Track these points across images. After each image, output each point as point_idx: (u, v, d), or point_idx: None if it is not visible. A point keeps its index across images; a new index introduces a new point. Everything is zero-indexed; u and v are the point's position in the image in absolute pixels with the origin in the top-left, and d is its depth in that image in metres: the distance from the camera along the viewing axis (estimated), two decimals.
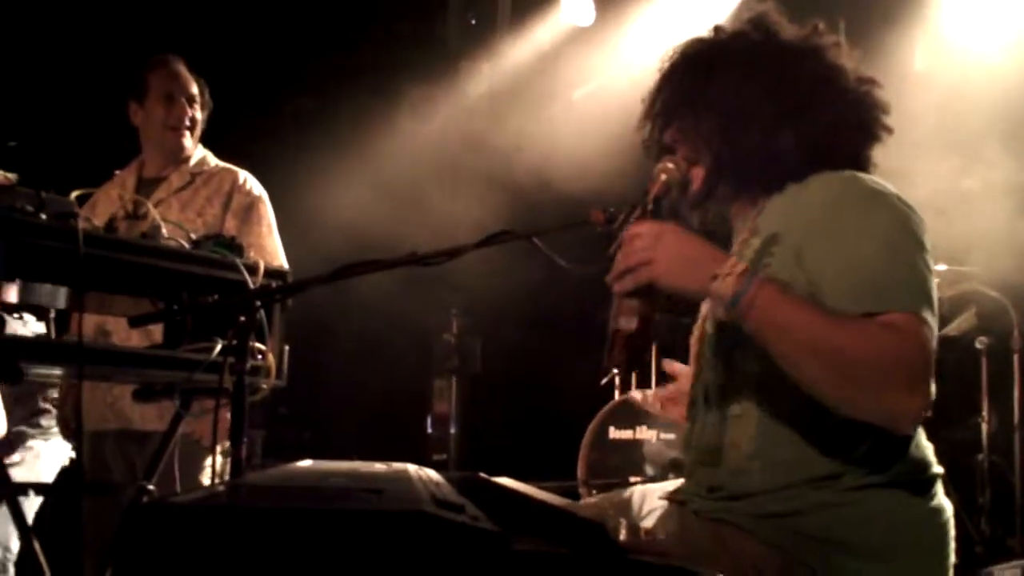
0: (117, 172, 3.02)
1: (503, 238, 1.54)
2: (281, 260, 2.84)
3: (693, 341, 1.77)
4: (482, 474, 1.66)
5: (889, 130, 1.65)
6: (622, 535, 0.97)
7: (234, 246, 1.96)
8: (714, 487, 1.57)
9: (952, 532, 1.53)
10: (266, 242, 2.86)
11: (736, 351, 1.57)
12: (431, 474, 1.58)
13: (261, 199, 2.91)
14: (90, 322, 2.61)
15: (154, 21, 4.91)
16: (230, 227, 2.78)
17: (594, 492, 4.62)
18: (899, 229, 1.48)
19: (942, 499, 1.54)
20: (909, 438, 1.51)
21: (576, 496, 4.72)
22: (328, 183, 5.19)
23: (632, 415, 4.86)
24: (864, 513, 1.46)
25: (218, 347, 1.85)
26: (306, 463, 1.70)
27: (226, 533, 0.82)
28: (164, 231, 1.99)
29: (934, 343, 1.41)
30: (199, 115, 2.93)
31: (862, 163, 1.63)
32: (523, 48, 5.81)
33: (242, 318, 1.63)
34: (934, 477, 1.54)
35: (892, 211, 1.50)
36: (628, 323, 1.46)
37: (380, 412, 5.90)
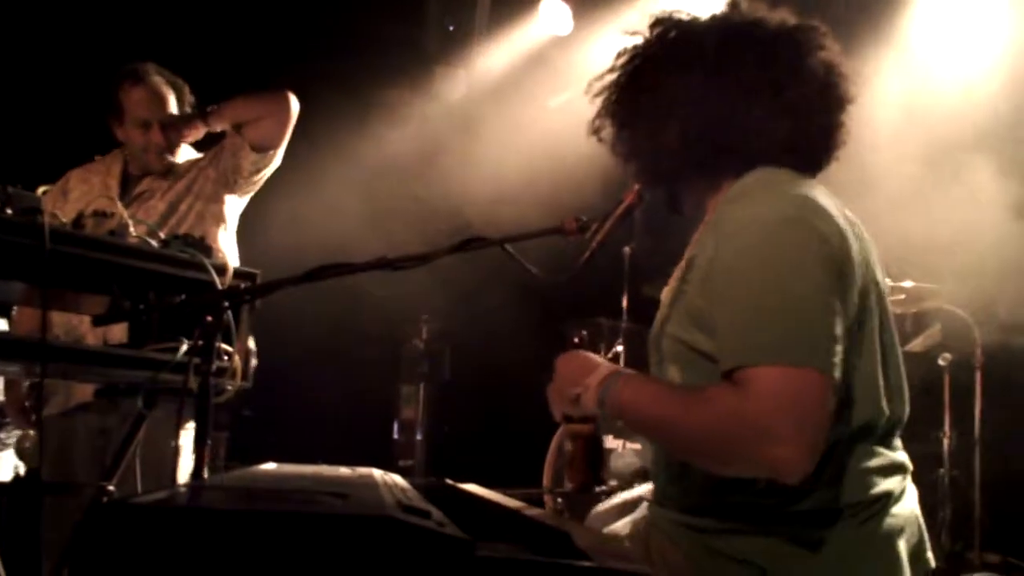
0: (98, 158, 3.01)
1: (475, 244, 1.54)
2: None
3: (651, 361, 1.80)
4: (448, 480, 1.66)
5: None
6: (587, 541, 0.98)
7: (202, 246, 1.94)
8: (656, 496, 1.63)
9: (898, 556, 1.44)
10: (235, 246, 2.90)
11: (663, 372, 1.58)
12: (397, 480, 1.58)
13: (233, 203, 2.95)
14: (59, 321, 2.59)
15: (126, 18, 4.86)
16: (203, 227, 2.81)
17: (559, 500, 4.63)
18: (793, 269, 1.37)
19: (884, 522, 1.45)
20: (841, 465, 1.43)
21: (541, 504, 4.72)
22: (303, 186, 5.16)
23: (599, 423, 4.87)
24: (786, 541, 1.41)
25: (184, 347, 1.83)
26: (270, 466, 1.69)
27: (186, 535, 0.81)
28: (132, 229, 1.97)
29: (811, 389, 1.30)
30: (177, 133, 2.94)
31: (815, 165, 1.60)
32: (500, 55, 5.82)
33: (209, 318, 1.61)
34: (871, 500, 1.45)
35: (793, 247, 1.39)
36: (568, 445, 1.68)
37: (347, 417, 5.87)
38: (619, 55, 1.67)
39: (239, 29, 5.42)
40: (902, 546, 1.45)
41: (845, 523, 1.42)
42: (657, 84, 1.57)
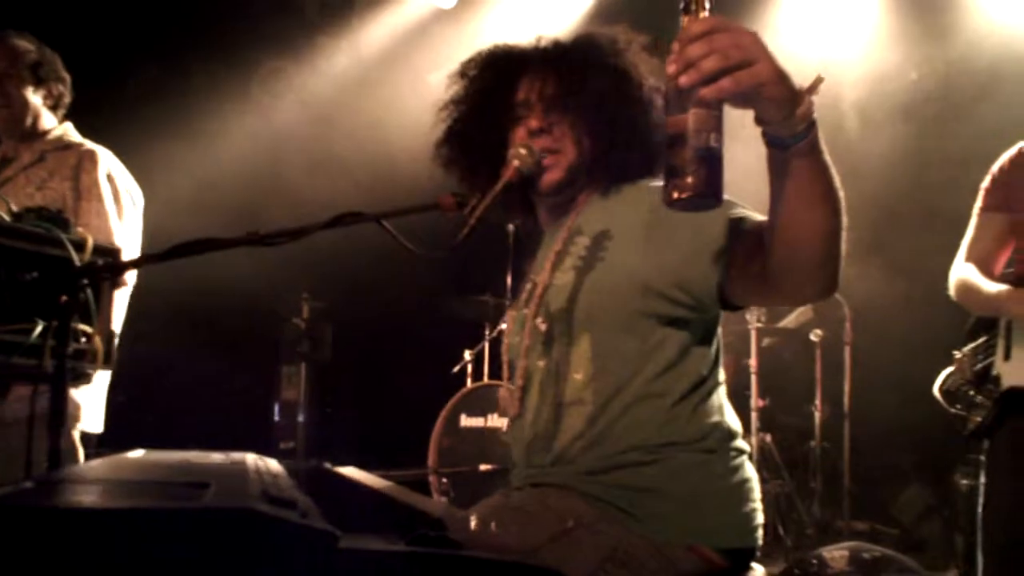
0: None
1: (349, 220, 1.48)
2: (116, 240, 2.70)
3: (513, 344, 1.83)
4: (326, 464, 1.61)
5: None
6: (464, 529, 0.95)
7: (60, 220, 1.81)
8: (544, 464, 1.66)
9: (756, 493, 1.64)
10: (105, 222, 2.71)
11: (571, 344, 1.65)
12: (271, 465, 1.51)
13: (111, 178, 2.77)
14: None
15: None
16: (69, 202, 2.65)
17: (444, 480, 4.61)
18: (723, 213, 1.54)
19: (747, 466, 1.66)
20: (721, 414, 1.65)
21: (427, 484, 4.69)
22: (176, 157, 4.95)
23: (484, 402, 4.87)
24: (673, 468, 1.57)
25: (38, 329, 1.71)
26: (137, 453, 1.60)
27: (27, 534, 0.75)
28: None
29: None
30: (32, 92, 2.77)
31: None
32: (382, 27, 5.71)
33: (64, 297, 1.51)
34: (740, 450, 1.66)
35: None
36: (718, 139, 1.16)
37: (227, 399, 5.70)
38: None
39: None
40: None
41: (726, 460, 1.62)
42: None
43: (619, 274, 1.61)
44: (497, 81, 1.80)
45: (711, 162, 1.15)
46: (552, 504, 1.56)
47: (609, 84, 1.71)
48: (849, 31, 5.12)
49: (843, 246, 1.35)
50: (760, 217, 1.48)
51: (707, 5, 1.19)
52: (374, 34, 5.70)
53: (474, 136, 1.80)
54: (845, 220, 1.34)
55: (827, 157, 1.28)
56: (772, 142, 1.26)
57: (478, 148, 1.80)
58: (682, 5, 1.21)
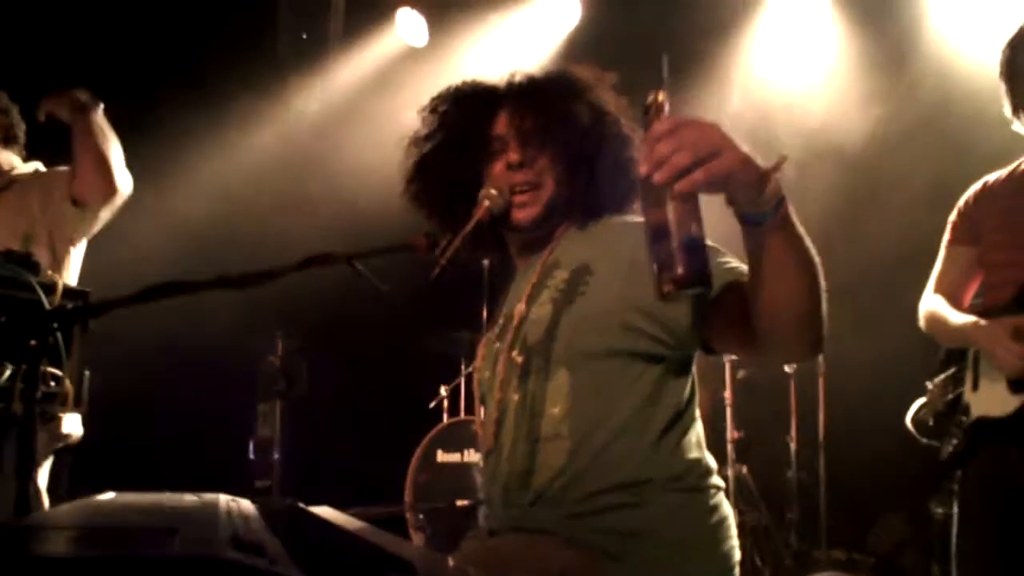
0: None
1: (321, 261, 1.49)
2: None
3: (484, 378, 1.82)
4: (300, 504, 1.60)
5: None
6: (434, 571, 0.94)
7: (29, 263, 1.81)
8: (523, 504, 1.63)
9: (733, 530, 1.66)
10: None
11: (548, 377, 1.65)
12: (243, 506, 1.50)
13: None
14: None
15: None
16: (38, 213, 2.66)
17: (421, 516, 4.58)
18: None
19: (724, 503, 1.68)
20: (699, 450, 1.66)
21: (403, 521, 4.65)
22: (146, 195, 4.93)
23: (460, 438, 4.85)
24: (659, 510, 1.58)
25: (7, 372, 1.70)
26: (107, 496, 1.59)
27: None
28: None
29: None
30: None
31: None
32: (355, 67, 5.74)
33: (33, 342, 1.50)
34: (718, 487, 1.68)
35: None
36: (699, 228, 1.21)
37: (201, 438, 5.64)
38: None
39: (75, 27, 5.13)
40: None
41: (705, 498, 1.63)
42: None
43: (599, 308, 1.61)
44: (471, 116, 1.80)
45: (696, 250, 1.20)
46: (539, 552, 1.55)
47: (587, 119, 1.73)
48: (807, 69, 5.23)
49: (824, 308, 1.39)
50: (744, 268, 1.49)
51: (666, 107, 1.27)
52: (346, 75, 5.73)
53: (447, 172, 1.80)
54: (824, 284, 1.38)
55: (799, 228, 1.32)
56: (744, 220, 1.30)
57: (451, 184, 1.80)
58: (643, 110, 1.28)
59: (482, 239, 1.76)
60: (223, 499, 1.55)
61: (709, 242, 1.30)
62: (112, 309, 1.41)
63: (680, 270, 1.19)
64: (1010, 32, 2.43)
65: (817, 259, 1.36)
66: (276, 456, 5.58)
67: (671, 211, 1.20)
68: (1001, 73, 2.43)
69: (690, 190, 1.18)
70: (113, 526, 1.01)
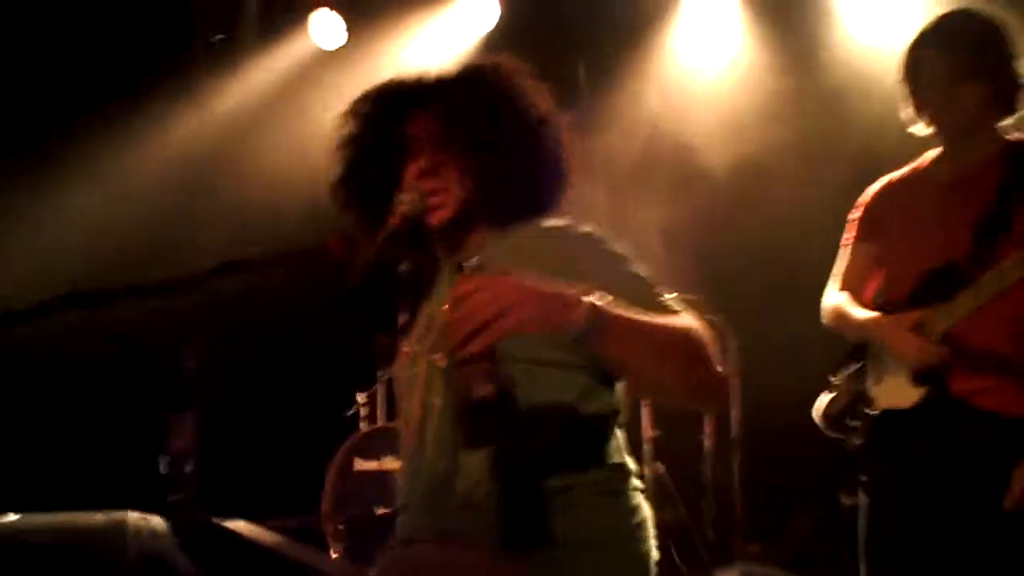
0: None
1: (234, 267, 1.45)
2: None
3: (403, 380, 1.79)
4: (213, 519, 1.56)
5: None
6: None
7: None
8: (445, 511, 1.61)
9: (651, 531, 1.68)
10: None
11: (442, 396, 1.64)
12: (153, 523, 1.46)
13: None
14: None
15: None
16: None
17: (340, 526, 4.51)
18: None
19: (644, 504, 1.69)
20: (621, 455, 1.68)
21: (320, 531, 4.58)
22: (56, 196, 4.75)
23: (378, 445, 4.79)
24: (583, 516, 1.58)
25: None
26: (11, 518, 1.53)
27: None
28: None
29: None
30: None
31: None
32: (269, 68, 5.64)
33: None
34: (638, 488, 1.70)
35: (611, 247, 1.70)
36: (485, 388, 1.32)
37: (111, 452, 5.46)
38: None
39: None
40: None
41: (621, 499, 1.65)
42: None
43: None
44: (388, 119, 1.79)
45: (486, 411, 1.34)
46: (460, 563, 1.55)
47: (490, 121, 1.70)
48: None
49: (703, 369, 1.51)
50: (672, 300, 1.60)
51: (468, 273, 1.42)
52: (261, 76, 5.63)
53: (370, 177, 1.78)
54: (694, 347, 1.50)
55: (637, 321, 1.43)
56: (573, 339, 1.39)
57: (374, 189, 1.78)
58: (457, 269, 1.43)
59: (403, 243, 1.73)
60: (132, 517, 1.51)
61: (642, 272, 1.49)
62: (8, 325, 1.35)
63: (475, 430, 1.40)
64: (911, 35, 2.51)
65: (687, 333, 1.49)
66: (189, 469, 5.43)
67: (468, 375, 1.33)
68: (903, 76, 2.50)
69: (478, 352, 1.30)
70: (19, 547, 0.98)
